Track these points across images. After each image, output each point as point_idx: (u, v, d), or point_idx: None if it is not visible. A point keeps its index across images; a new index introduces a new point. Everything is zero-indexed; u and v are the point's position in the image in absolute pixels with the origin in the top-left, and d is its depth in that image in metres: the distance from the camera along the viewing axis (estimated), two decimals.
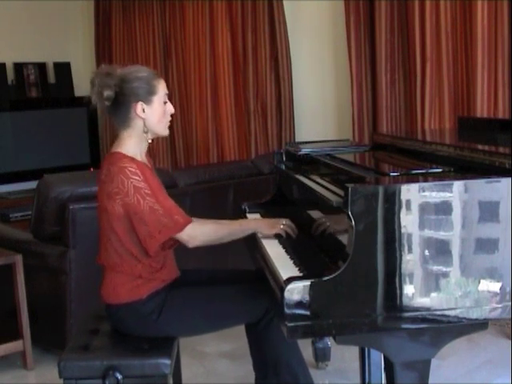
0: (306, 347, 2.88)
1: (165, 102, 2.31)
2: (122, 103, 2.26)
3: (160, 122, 2.30)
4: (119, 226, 2.23)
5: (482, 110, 3.75)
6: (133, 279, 2.27)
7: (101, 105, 2.26)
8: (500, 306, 1.83)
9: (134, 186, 2.17)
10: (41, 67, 6.38)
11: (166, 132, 2.35)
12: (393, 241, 1.78)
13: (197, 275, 2.50)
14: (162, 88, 2.29)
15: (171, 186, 3.35)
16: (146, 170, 2.24)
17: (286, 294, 1.76)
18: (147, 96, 2.25)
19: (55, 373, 2.27)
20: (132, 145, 2.28)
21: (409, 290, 1.79)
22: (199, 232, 2.27)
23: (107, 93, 2.23)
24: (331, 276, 1.76)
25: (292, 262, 2.14)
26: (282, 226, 2.39)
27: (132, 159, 2.24)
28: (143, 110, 2.25)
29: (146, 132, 2.29)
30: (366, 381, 2.66)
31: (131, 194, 2.17)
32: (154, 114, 2.27)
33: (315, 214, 2.35)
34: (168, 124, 2.34)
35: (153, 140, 2.37)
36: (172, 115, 2.36)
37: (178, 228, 2.22)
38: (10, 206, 5.37)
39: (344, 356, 3.28)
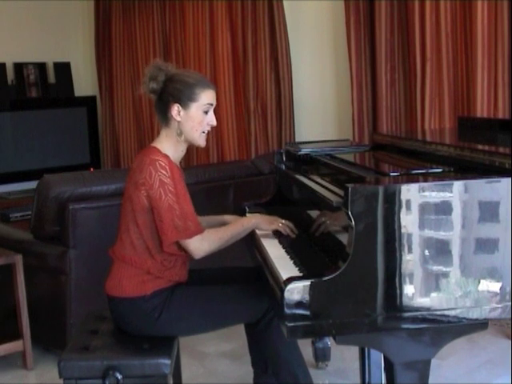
0: (305, 347, 2.89)
1: (206, 112, 2.31)
2: (163, 101, 2.31)
3: (194, 129, 2.30)
4: (140, 217, 2.25)
5: (482, 110, 3.75)
6: (141, 273, 2.29)
7: (149, 96, 2.34)
8: (500, 306, 1.83)
9: (160, 180, 2.20)
10: (41, 67, 6.38)
11: (200, 142, 2.35)
12: (393, 241, 1.78)
13: (197, 274, 2.50)
14: (205, 98, 2.29)
15: None
16: (176, 171, 2.26)
17: (286, 294, 1.76)
18: (186, 100, 2.27)
19: (55, 373, 2.28)
20: (168, 145, 2.31)
21: (409, 290, 1.79)
22: (206, 244, 2.28)
23: (152, 85, 2.30)
24: (331, 276, 1.76)
25: (292, 262, 2.14)
26: (280, 224, 2.40)
27: (166, 156, 2.27)
28: (179, 113, 2.28)
29: (180, 134, 2.30)
30: (366, 381, 2.66)
31: (156, 187, 2.20)
32: (188, 120, 2.29)
33: (315, 214, 2.35)
34: (204, 135, 2.34)
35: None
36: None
37: (187, 234, 2.23)
38: (10, 206, 5.37)
39: (344, 356, 3.28)
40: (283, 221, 2.43)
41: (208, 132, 2.36)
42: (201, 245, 2.26)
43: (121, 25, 6.32)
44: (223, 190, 3.89)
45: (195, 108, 2.29)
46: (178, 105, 2.28)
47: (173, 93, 2.28)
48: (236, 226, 2.39)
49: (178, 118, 2.29)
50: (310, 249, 2.28)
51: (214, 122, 2.35)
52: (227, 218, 2.60)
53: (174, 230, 2.21)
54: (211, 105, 2.32)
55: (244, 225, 2.40)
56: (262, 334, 2.44)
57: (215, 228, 2.39)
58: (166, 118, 2.31)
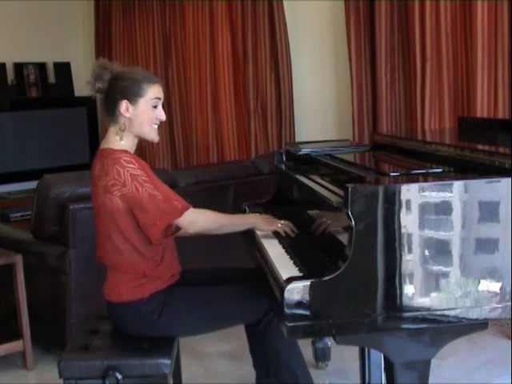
0: (305, 347, 2.88)
1: (154, 107, 2.29)
2: (110, 98, 2.29)
3: (143, 124, 2.29)
4: (121, 220, 2.22)
5: (482, 110, 3.75)
6: (137, 278, 2.28)
7: (95, 96, 2.34)
8: (500, 306, 1.83)
9: (131, 174, 2.18)
10: (41, 67, 6.38)
11: (152, 136, 2.33)
12: (393, 241, 1.78)
13: (197, 275, 2.50)
14: (152, 92, 2.28)
15: (171, 186, 3.34)
16: (140, 161, 2.26)
17: (286, 294, 1.76)
18: (133, 96, 2.26)
19: (55, 373, 2.27)
20: (118, 142, 2.30)
21: (409, 289, 1.79)
22: (199, 218, 2.28)
23: (98, 85, 2.29)
24: (331, 276, 1.76)
25: (292, 262, 2.14)
26: (279, 225, 2.40)
27: (124, 151, 2.26)
28: (127, 109, 2.27)
29: (123, 130, 2.29)
30: (366, 381, 2.66)
31: (129, 182, 2.18)
32: (137, 116, 2.27)
33: (315, 213, 2.35)
34: (155, 129, 2.32)
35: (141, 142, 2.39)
36: (168, 120, 2.37)
37: (177, 213, 2.22)
38: (10, 206, 5.37)
39: (344, 356, 3.28)
40: (282, 221, 2.42)
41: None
42: (194, 218, 2.26)
43: (121, 25, 6.32)
44: (223, 189, 3.89)
45: (143, 103, 2.27)
46: (127, 101, 2.26)
47: (120, 90, 2.27)
48: (234, 217, 2.42)
49: (127, 115, 2.27)
50: (309, 249, 2.28)
51: (163, 117, 2.33)
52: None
53: (163, 215, 2.19)
54: (159, 99, 2.31)
55: (242, 218, 2.44)
56: (261, 334, 2.44)
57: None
58: (114, 115, 2.30)
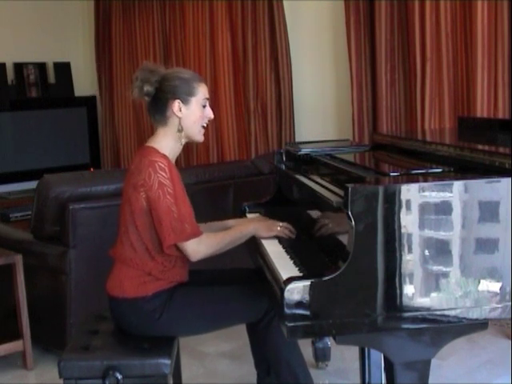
0: (305, 347, 2.88)
1: (204, 106, 2.33)
2: (160, 100, 2.30)
3: (195, 123, 2.32)
4: (139, 219, 2.25)
5: (482, 110, 3.75)
6: (142, 275, 2.29)
7: (141, 99, 2.34)
8: (500, 306, 1.83)
9: (159, 182, 2.20)
10: (41, 67, 6.38)
11: (199, 137, 2.36)
12: (393, 241, 1.78)
13: (198, 275, 2.50)
14: (202, 91, 2.32)
15: None
16: (175, 172, 2.26)
17: (286, 294, 1.76)
18: (185, 96, 2.29)
19: (55, 373, 2.28)
20: (165, 143, 2.31)
21: (409, 289, 1.79)
22: (202, 249, 2.28)
23: (147, 88, 2.30)
24: (331, 276, 1.76)
25: (292, 262, 2.14)
26: (279, 228, 2.40)
27: (164, 156, 2.26)
28: (180, 109, 2.29)
29: (181, 131, 2.30)
30: (366, 381, 2.66)
31: (155, 188, 2.20)
32: (190, 115, 2.30)
33: (315, 214, 2.35)
34: (203, 130, 2.36)
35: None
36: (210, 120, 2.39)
37: (183, 237, 2.23)
38: (10, 206, 5.37)
39: (344, 356, 3.28)
40: (281, 223, 2.42)
41: (206, 128, 2.37)
42: (198, 247, 2.26)
43: (121, 25, 6.32)
44: (223, 189, 3.89)
45: (195, 102, 2.31)
46: (179, 100, 2.28)
47: (171, 90, 2.29)
48: (234, 232, 2.39)
49: (180, 114, 2.29)
50: (309, 249, 2.28)
51: (212, 115, 2.37)
52: (230, 222, 2.59)
53: (171, 232, 2.21)
54: (207, 99, 2.35)
55: (242, 231, 2.40)
56: (262, 333, 2.44)
57: (214, 232, 2.39)
58: (164, 117, 2.31)
